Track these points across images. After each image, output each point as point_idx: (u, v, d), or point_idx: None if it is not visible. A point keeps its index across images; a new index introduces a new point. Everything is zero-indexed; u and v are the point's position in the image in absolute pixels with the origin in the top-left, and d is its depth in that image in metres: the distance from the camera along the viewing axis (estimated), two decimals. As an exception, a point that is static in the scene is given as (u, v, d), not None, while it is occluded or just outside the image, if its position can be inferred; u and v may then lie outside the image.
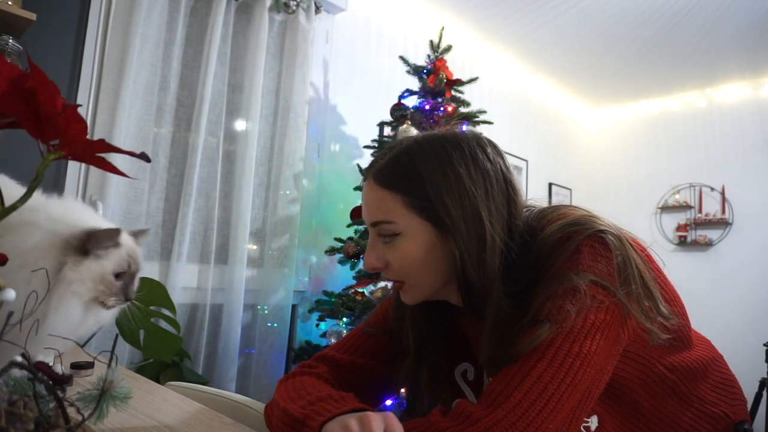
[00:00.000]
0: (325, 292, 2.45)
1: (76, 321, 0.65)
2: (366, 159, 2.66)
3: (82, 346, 0.63)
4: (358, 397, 0.73)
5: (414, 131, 2.23)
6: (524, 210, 0.78)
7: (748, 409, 0.83)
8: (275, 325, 2.47)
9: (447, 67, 2.47)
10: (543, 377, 0.61)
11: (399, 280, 0.77)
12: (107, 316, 0.71)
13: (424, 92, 2.44)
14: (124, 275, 0.69)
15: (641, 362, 0.73)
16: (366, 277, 2.31)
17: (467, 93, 2.52)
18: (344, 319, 2.23)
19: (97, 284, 0.65)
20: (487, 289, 0.70)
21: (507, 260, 0.71)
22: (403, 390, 2.18)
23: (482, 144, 0.75)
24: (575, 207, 0.78)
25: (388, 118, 2.48)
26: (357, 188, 2.49)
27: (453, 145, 0.73)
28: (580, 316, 0.63)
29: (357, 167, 2.59)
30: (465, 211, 0.70)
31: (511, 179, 0.75)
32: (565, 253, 0.68)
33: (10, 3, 1.65)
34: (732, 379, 0.86)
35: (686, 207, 4.44)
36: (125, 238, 0.71)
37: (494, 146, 0.77)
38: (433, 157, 0.72)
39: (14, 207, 0.48)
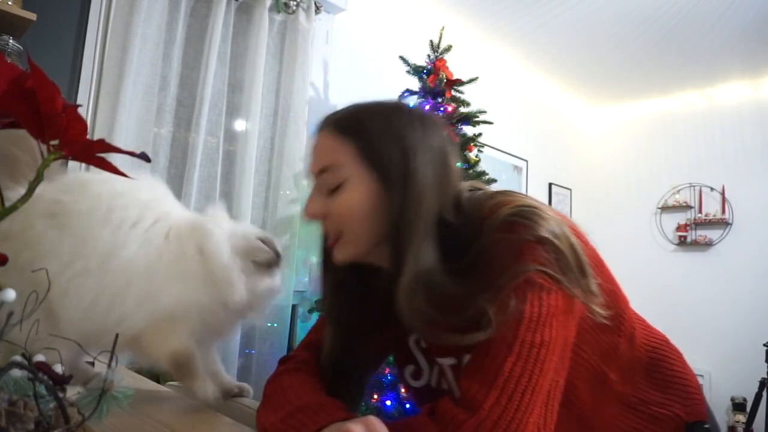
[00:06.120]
0: (325, 292, 2.44)
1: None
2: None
3: (82, 347, 0.63)
4: (345, 373, 0.76)
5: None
6: (468, 190, 0.79)
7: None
8: (275, 325, 2.47)
9: (447, 67, 2.48)
10: (514, 371, 0.62)
11: (337, 231, 0.77)
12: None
13: (424, 92, 2.44)
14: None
15: (580, 354, 0.73)
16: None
17: (467, 93, 2.52)
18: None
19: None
20: (410, 239, 0.70)
21: (440, 225, 0.72)
22: (403, 390, 2.17)
23: (426, 116, 0.80)
24: (511, 193, 0.77)
25: (388, 118, 2.48)
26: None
27: (396, 109, 0.80)
28: (535, 306, 0.65)
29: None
30: (404, 160, 0.72)
31: (447, 153, 0.77)
32: (510, 249, 0.68)
33: (10, 3, 1.65)
34: (686, 377, 0.84)
35: (686, 207, 4.44)
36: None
37: (436, 124, 0.80)
38: (379, 114, 0.78)
39: (14, 207, 0.48)
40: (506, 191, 0.78)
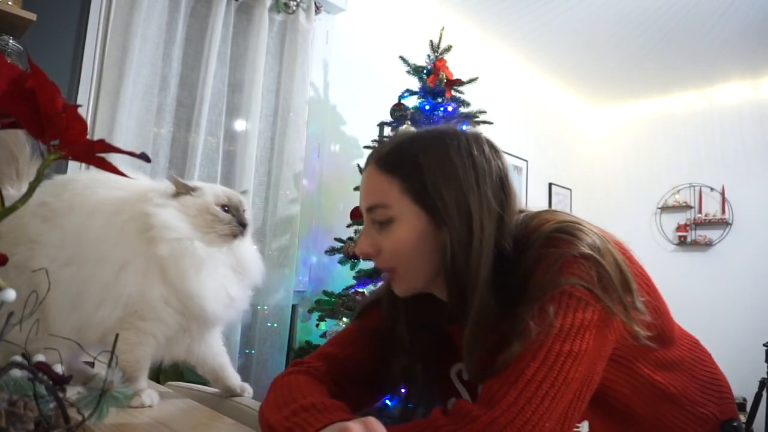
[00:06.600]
0: (325, 292, 2.44)
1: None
2: (366, 159, 2.67)
3: (81, 346, 0.63)
4: (358, 391, 0.75)
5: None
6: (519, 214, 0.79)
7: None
8: (275, 325, 2.47)
9: (447, 67, 2.47)
10: (536, 376, 0.62)
11: (390, 267, 0.78)
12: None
13: (424, 92, 2.44)
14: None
15: (627, 365, 0.74)
16: (366, 277, 2.31)
17: (467, 93, 2.52)
18: (344, 319, 2.23)
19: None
20: (473, 283, 0.71)
21: (497, 260, 0.71)
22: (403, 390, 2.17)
23: (480, 142, 0.77)
24: (554, 212, 0.78)
25: (388, 118, 2.48)
26: (357, 188, 2.49)
27: (451, 139, 0.76)
28: (568, 317, 0.65)
29: (357, 167, 2.59)
30: (458, 200, 0.72)
31: (506, 180, 0.76)
32: (552, 264, 0.69)
33: (10, 3, 1.65)
34: (720, 377, 0.86)
35: (686, 207, 4.44)
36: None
37: (492, 146, 0.79)
38: (433, 147, 0.75)
39: (14, 207, 0.48)
40: (550, 210, 0.79)
